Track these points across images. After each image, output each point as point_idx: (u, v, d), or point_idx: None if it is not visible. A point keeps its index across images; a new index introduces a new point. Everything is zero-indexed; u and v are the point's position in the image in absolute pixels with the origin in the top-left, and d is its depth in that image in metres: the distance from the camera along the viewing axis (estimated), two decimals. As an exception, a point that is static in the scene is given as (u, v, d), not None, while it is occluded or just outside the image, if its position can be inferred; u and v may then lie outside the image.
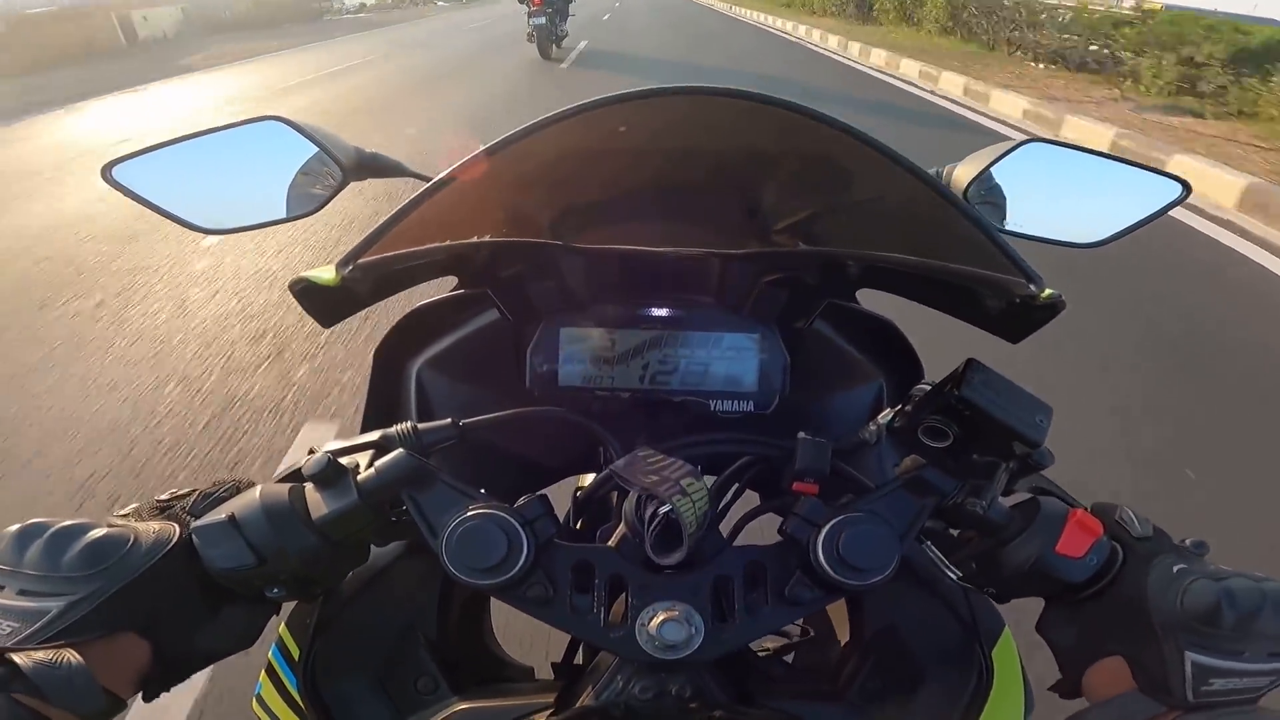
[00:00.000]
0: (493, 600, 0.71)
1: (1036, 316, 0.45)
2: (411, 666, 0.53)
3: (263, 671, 0.54)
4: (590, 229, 0.59)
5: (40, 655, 0.36)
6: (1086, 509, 0.47)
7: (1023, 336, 0.48)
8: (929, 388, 0.49)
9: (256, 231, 0.68)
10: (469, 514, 0.42)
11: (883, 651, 0.55)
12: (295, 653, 0.53)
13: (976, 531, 0.48)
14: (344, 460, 0.46)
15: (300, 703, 0.51)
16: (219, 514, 0.43)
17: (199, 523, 0.43)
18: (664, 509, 0.42)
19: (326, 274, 0.42)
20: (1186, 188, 0.66)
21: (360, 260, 0.41)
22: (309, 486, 0.46)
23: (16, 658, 0.36)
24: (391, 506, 0.47)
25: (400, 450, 0.45)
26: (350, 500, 0.44)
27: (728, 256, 0.59)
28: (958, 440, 0.46)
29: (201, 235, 0.65)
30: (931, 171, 0.63)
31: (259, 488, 0.45)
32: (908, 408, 0.49)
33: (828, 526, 0.42)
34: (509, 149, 0.40)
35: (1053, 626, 0.48)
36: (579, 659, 0.71)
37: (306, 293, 0.44)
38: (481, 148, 0.40)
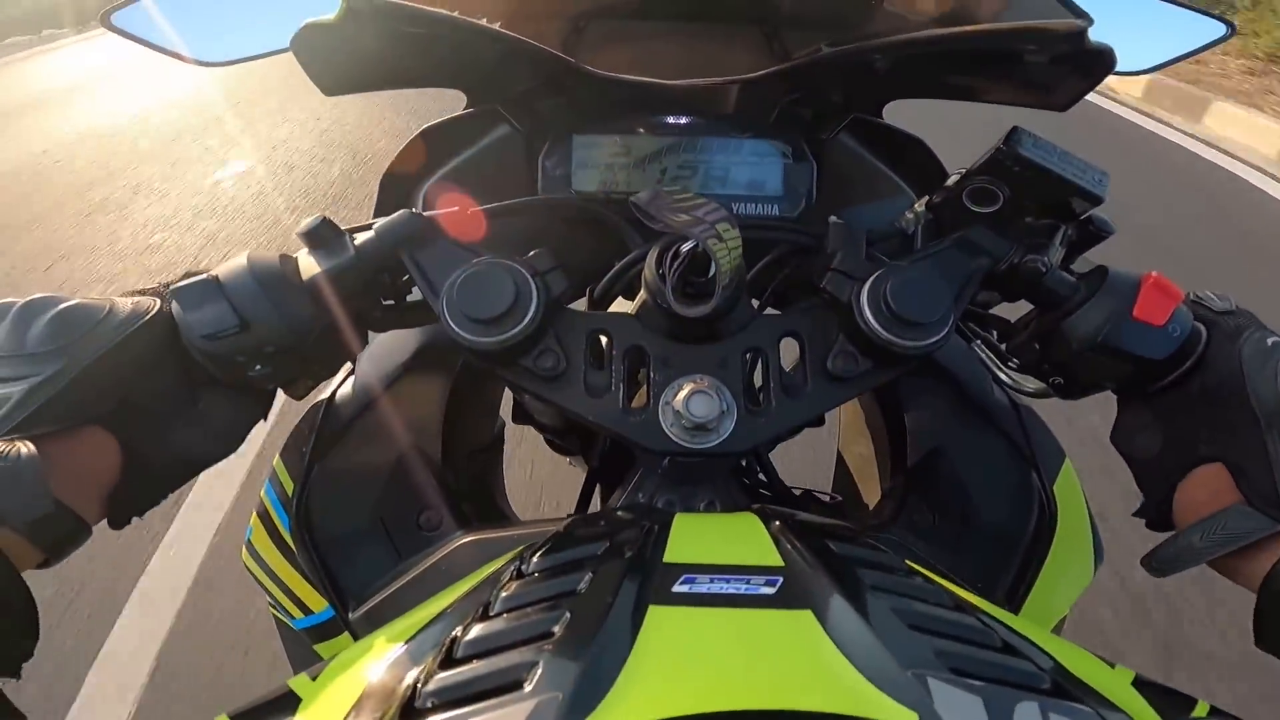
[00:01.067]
0: (502, 465, 0.68)
1: (1086, 73, 0.41)
2: (414, 499, 0.48)
3: (253, 514, 0.50)
4: (603, 50, 0.56)
5: None
6: None
7: (1072, 102, 0.44)
8: (965, 170, 0.45)
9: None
10: (473, 263, 0.39)
11: (929, 483, 0.49)
12: (289, 487, 0.48)
13: (1036, 303, 0.43)
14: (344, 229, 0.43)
15: (292, 545, 0.46)
16: (200, 275, 0.40)
17: (178, 285, 0.39)
18: (689, 245, 0.38)
19: (332, 13, 0.39)
20: (1231, 27, 0.63)
21: None
22: (303, 252, 0.42)
23: None
24: (391, 276, 0.44)
25: (403, 210, 0.42)
26: (346, 258, 0.40)
27: (746, 80, 0.56)
28: (1008, 203, 0.42)
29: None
30: None
31: (246, 253, 0.41)
32: (949, 184, 0.45)
33: (872, 278, 0.38)
34: None
35: (1131, 432, 0.41)
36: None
37: (309, 44, 0.41)
38: None
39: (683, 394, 0.38)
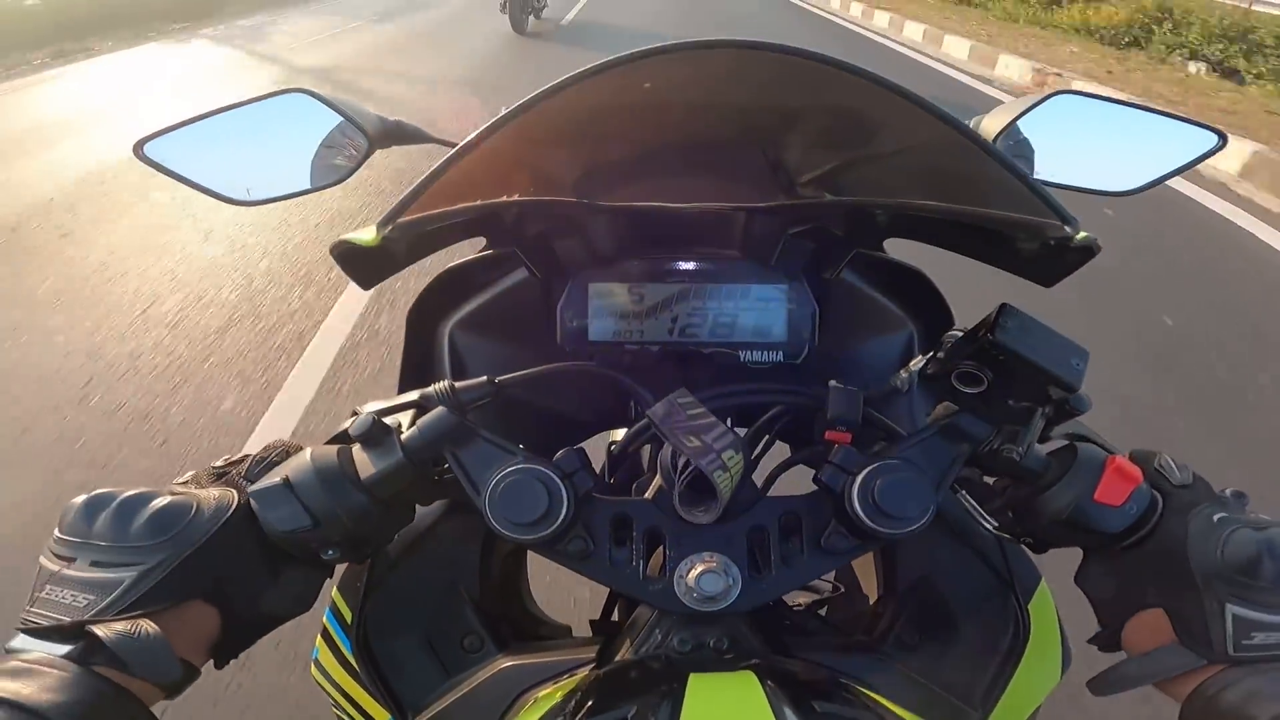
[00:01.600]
0: (529, 561, 0.74)
1: (1071, 259, 0.44)
2: (457, 625, 0.55)
3: (318, 636, 0.56)
4: (615, 187, 0.59)
5: (119, 626, 0.37)
6: (1125, 456, 0.46)
7: (1056, 280, 0.48)
8: (960, 334, 0.49)
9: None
10: (509, 469, 0.43)
11: (917, 604, 0.55)
12: (348, 616, 0.55)
13: (1012, 479, 0.48)
14: (387, 421, 0.47)
15: (354, 664, 0.53)
16: (274, 477, 0.45)
17: (256, 487, 0.45)
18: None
19: (366, 235, 0.43)
20: (1222, 138, 0.64)
21: (399, 220, 0.41)
22: (356, 448, 0.47)
23: (96, 630, 0.36)
24: (434, 464, 0.48)
25: (441, 409, 0.46)
26: (396, 459, 0.45)
27: (752, 210, 0.59)
28: (992, 386, 0.45)
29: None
30: None
31: (309, 451, 0.46)
32: (939, 354, 0.49)
33: (863, 474, 0.43)
34: (533, 110, 0.40)
35: (1091, 578, 0.47)
36: (615, 617, 0.73)
37: (347, 256, 0.45)
38: (506, 110, 0.40)
39: (695, 571, 0.43)
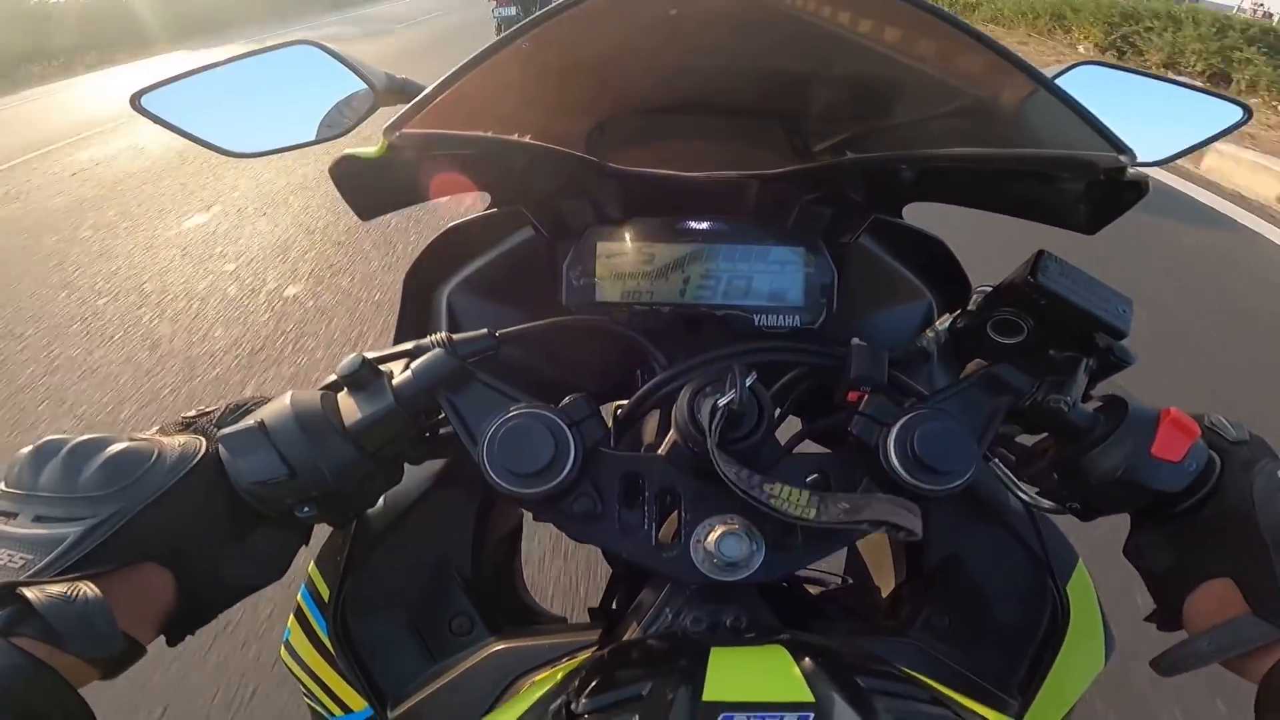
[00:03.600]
0: (521, 551, 0.70)
1: (1121, 198, 0.41)
2: (445, 605, 0.50)
3: (291, 615, 0.51)
4: (626, 148, 0.57)
5: (55, 589, 0.32)
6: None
7: (1101, 225, 0.44)
8: (990, 289, 0.46)
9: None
10: (511, 414, 0.40)
11: (945, 587, 0.51)
12: (325, 593, 0.50)
13: (1056, 437, 0.44)
14: (380, 368, 0.44)
15: (330, 647, 0.48)
16: (247, 421, 0.41)
17: (225, 431, 0.41)
18: (723, 400, 0.39)
19: (372, 148, 0.40)
20: (1247, 111, 0.63)
21: (406, 129, 0.39)
22: (342, 394, 0.44)
23: (28, 592, 0.32)
24: (428, 415, 0.45)
25: (437, 350, 0.43)
26: (385, 404, 0.42)
27: (767, 176, 0.56)
28: (1032, 335, 0.42)
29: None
30: None
31: (289, 394, 0.43)
32: (970, 308, 0.46)
33: (899, 424, 0.39)
34: (558, 20, 0.38)
35: (1144, 549, 0.43)
36: (616, 606, 0.68)
37: (348, 175, 0.42)
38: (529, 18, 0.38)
39: (714, 535, 0.40)
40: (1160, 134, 0.63)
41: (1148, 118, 0.64)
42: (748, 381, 0.39)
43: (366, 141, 0.42)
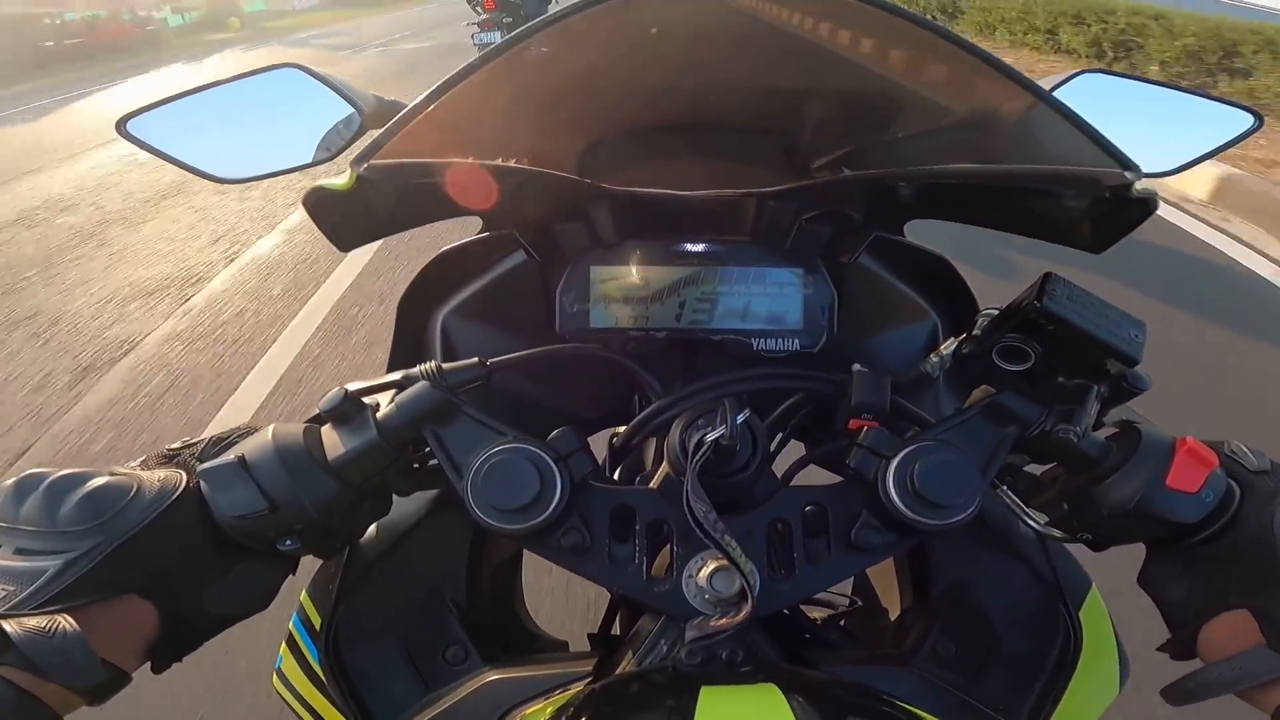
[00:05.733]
0: (523, 571, 0.68)
1: (1126, 217, 0.39)
2: (439, 635, 0.49)
3: (283, 643, 0.50)
4: (619, 168, 0.55)
5: (33, 623, 0.33)
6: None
7: (1108, 245, 0.43)
8: (998, 311, 0.45)
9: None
10: (496, 449, 0.39)
11: (952, 614, 0.49)
12: (317, 621, 0.49)
13: (1067, 467, 0.42)
14: (365, 400, 0.43)
15: (321, 674, 0.47)
16: (227, 456, 0.40)
17: (205, 466, 0.40)
18: (712, 435, 0.38)
19: (341, 179, 0.39)
20: (1259, 119, 0.61)
21: (374, 160, 0.38)
22: (325, 427, 0.42)
23: (6, 625, 0.32)
24: (414, 448, 0.44)
25: (423, 383, 0.42)
26: (369, 438, 0.41)
27: (765, 194, 0.55)
28: (1039, 361, 0.41)
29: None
30: None
31: (271, 428, 0.42)
32: (975, 333, 0.44)
33: (899, 457, 0.38)
34: (536, 37, 0.37)
35: (1159, 578, 0.42)
36: (616, 630, 0.67)
37: (321, 206, 0.41)
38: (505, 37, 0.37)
39: (706, 570, 0.38)
40: (1167, 143, 0.61)
41: (1153, 127, 0.62)
42: (740, 418, 0.38)
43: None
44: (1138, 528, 0.40)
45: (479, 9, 5.59)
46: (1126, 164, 0.37)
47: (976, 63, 0.37)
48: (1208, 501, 0.38)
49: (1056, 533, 0.44)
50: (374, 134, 0.41)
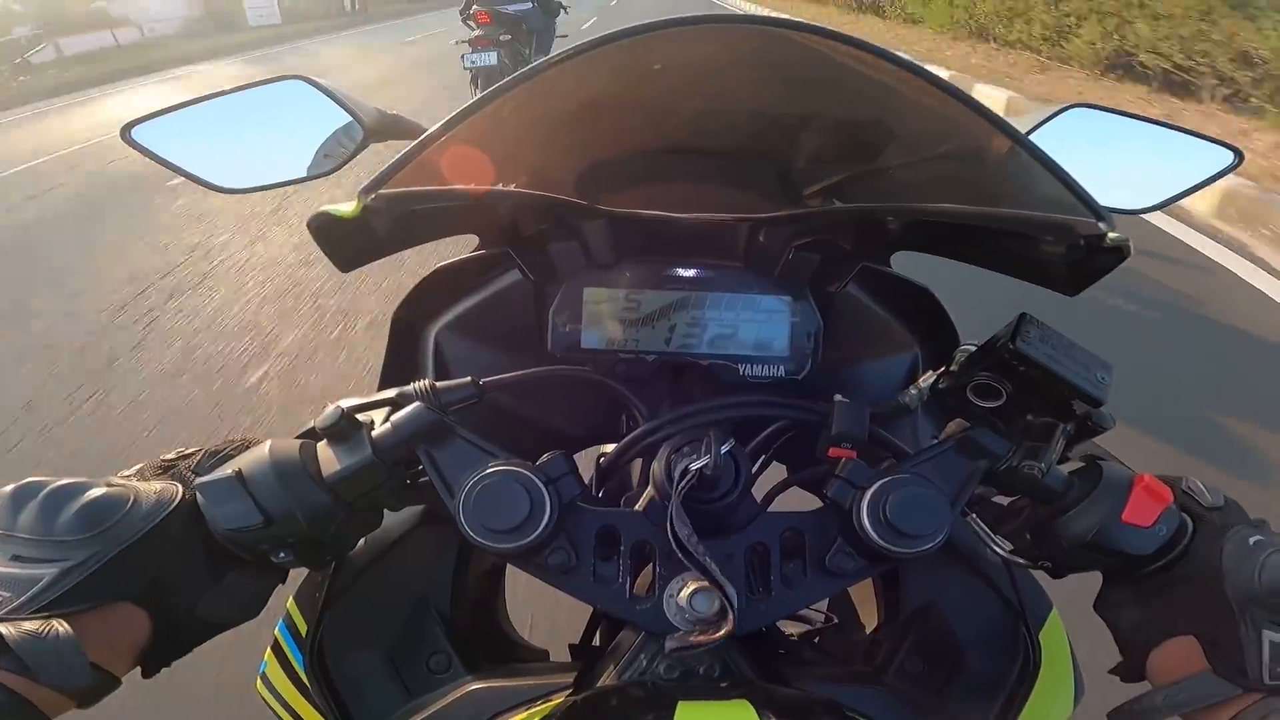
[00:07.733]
0: (506, 581, 0.70)
1: (1099, 263, 0.41)
2: (424, 643, 0.51)
3: (268, 648, 0.52)
4: (615, 190, 0.57)
5: (28, 626, 0.34)
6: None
7: (1082, 287, 0.44)
8: (974, 348, 0.46)
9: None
10: (488, 471, 0.40)
11: (921, 633, 0.52)
12: (303, 628, 0.51)
13: (1031, 499, 0.45)
14: (359, 417, 0.44)
15: (306, 680, 0.49)
16: (224, 470, 0.42)
17: (203, 479, 0.41)
18: (696, 465, 0.39)
19: (347, 206, 0.40)
20: (1239, 155, 0.63)
21: (382, 190, 0.39)
22: (321, 443, 0.44)
23: (2, 628, 0.34)
24: (407, 466, 0.45)
25: (417, 404, 0.43)
26: (364, 456, 0.42)
27: (757, 220, 0.56)
28: (1010, 399, 0.43)
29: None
30: None
31: (268, 443, 0.43)
32: (952, 368, 0.46)
33: (873, 488, 0.40)
34: (538, 80, 0.38)
35: (1114, 605, 0.45)
36: (598, 641, 0.69)
37: (325, 230, 0.42)
38: (512, 75, 0.38)
39: (687, 591, 0.40)
40: (1151, 179, 0.63)
41: (1139, 162, 0.64)
42: (724, 448, 0.40)
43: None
44: (1095, 558, 0.43)
45: (471, 24, 5.11)
46: (1100, 214, 0.38)
47: (954, 103, 0.39)
48: (1160, 535, 0.41)
49: (1020, 560, 0.46)
50: (378, 149, 0.41)
